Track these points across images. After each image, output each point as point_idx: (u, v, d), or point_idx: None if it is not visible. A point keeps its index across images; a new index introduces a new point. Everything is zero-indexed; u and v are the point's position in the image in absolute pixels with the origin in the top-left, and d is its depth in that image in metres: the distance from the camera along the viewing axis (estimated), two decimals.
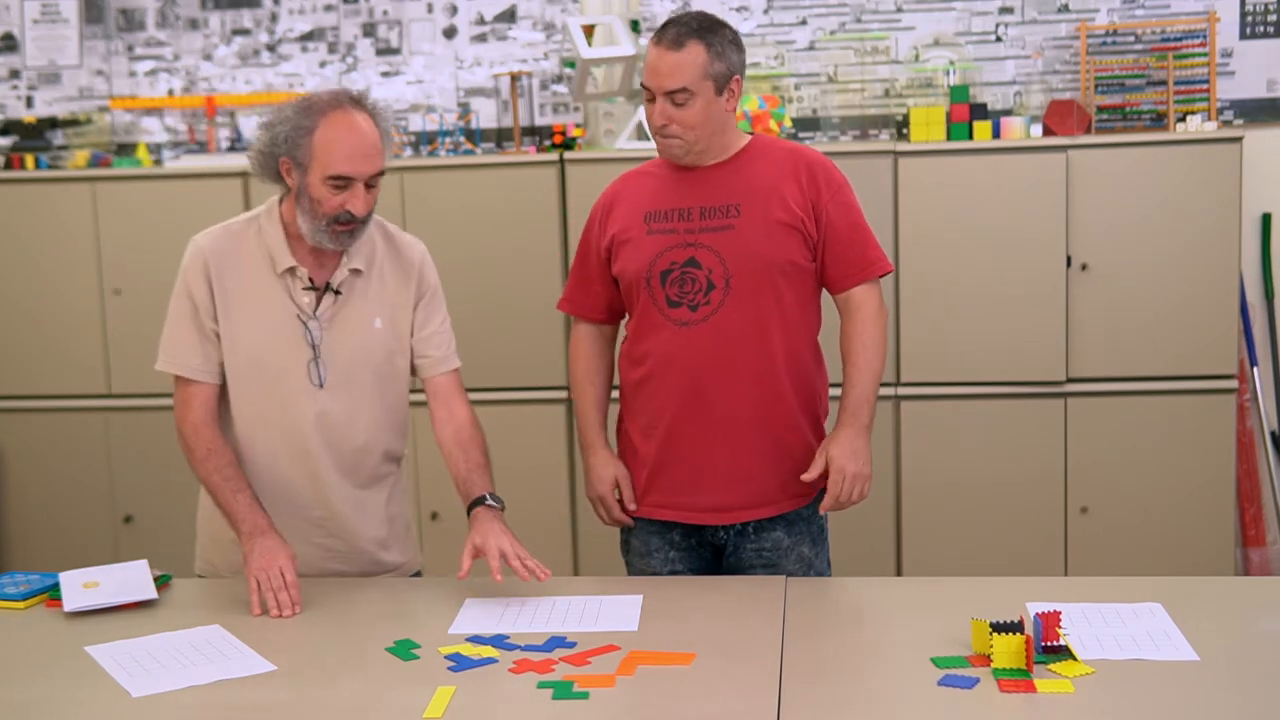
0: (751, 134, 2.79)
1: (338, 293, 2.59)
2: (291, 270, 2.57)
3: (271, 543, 2.47)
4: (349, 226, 2.52)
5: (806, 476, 2.68)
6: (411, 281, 2.67)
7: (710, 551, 2.79)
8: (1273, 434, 4.44)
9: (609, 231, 2.77)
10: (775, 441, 2.71)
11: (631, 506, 2.79)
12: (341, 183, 2.48)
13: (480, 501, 2.56)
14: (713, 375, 2.67)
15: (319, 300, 2.59)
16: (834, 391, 2.79)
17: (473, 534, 2.49)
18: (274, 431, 2.60)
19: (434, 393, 2.71)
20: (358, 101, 2.53)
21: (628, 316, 2.82)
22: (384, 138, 2.54)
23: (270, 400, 2.59)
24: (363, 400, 2.62)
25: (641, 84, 2.70)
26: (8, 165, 4.55)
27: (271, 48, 4.81)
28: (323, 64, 4.79)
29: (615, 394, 2.89)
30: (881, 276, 2.76)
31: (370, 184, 2.52)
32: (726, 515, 2.72)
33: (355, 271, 2.61)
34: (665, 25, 2.67)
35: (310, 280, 2.58)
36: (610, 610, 2.39)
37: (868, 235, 2.75)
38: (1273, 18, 4.41)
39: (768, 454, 2.71)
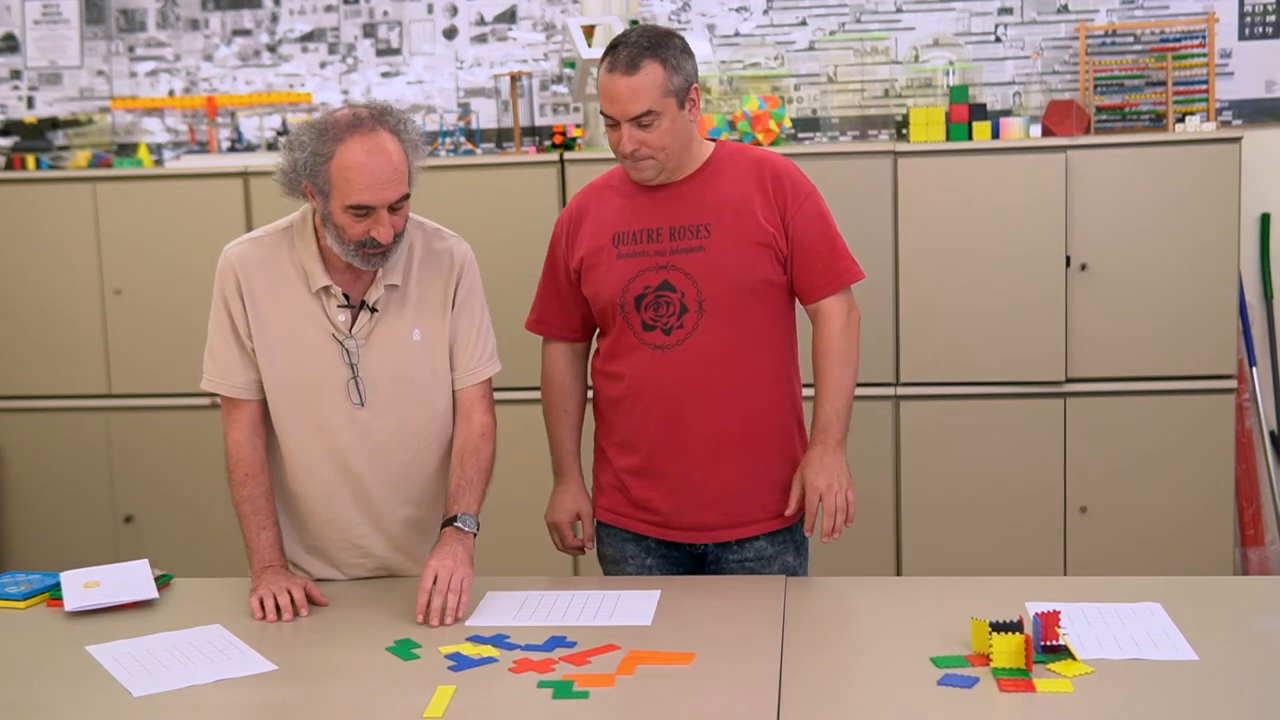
0: (715, 140, 2.70)
1: (374, 310, 2.48)
2: (326, 289, 2.46)
3: (283, 574, 2.45)
4: (379, 249, 2.38)
5: (788, 512, 2.63)
6: (450, 287, 2.55)
7: (689, 560, 2.72)
8: (1271, 434, 4.44)
9: (576, 252, 2.69)
10: (756, 461, 2.64)
11: (589, 546, 2.76)
12: (363, 211, 2.34)
13: (450, 522, 2.46)
14: (690, 398, 2.60)
15: (354, 318, 2.48)
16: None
17: (430, 556, 2.40)
18: (316, 450, 2.51)
19: (458, 405, 2.60)
20: (378, 119, 2.36)
21: (599, 330, 2.75)
22: (411, 153, 2.39)
23: (311, 419, 2.50)
24: (407, 415, 2.53)
25: (601, 112, 2.58)
26: (9, 165, 4.55)
27: (272, 48, 4.81)
28: (323, 65, 4.79)
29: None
30: (852, 284, 2.67)
31: (395, 207, 2.37)
32: (708, 534, 2.67)
33: (391, 286, 2.49)
34: (613, 47, 2.54)
35: (345, 298, 2.47)
36: (626, 606, 2.40)
37: (837, 244, 2.66)
38: (1271, 18, 4.41)
39: (749, 473, 2.64)
